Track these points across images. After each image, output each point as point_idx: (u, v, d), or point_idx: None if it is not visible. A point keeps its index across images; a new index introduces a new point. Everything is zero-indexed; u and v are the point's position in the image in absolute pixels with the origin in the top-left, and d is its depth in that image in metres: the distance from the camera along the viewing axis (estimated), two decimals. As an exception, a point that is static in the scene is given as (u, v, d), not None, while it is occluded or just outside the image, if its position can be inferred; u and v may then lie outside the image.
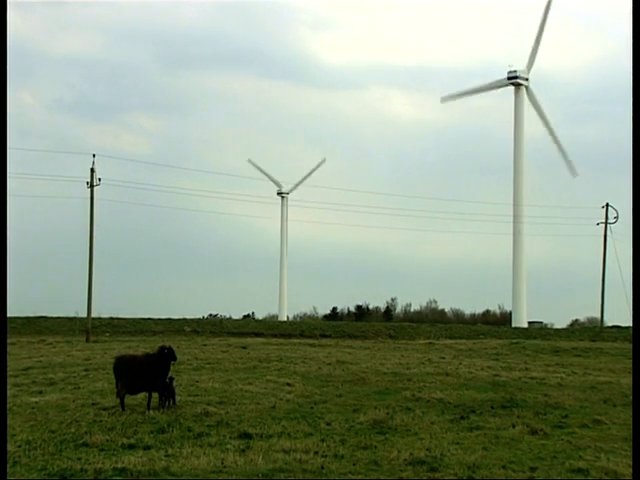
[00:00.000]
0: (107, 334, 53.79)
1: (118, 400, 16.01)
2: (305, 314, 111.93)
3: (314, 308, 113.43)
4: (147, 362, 16.10)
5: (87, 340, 46.11)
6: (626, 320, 66.66)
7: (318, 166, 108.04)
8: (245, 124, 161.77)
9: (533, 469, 11.02)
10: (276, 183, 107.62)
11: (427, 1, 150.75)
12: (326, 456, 11.63)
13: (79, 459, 11.24)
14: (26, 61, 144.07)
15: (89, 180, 49.61)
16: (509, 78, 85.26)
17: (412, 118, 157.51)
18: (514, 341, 47.67)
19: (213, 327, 61.31)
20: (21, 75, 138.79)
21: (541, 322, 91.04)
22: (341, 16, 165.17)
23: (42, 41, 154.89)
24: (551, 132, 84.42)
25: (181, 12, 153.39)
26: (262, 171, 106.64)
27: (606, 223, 67.01)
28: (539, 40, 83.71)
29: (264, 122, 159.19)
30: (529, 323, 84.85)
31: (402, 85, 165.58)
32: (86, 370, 24.43)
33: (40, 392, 18.89)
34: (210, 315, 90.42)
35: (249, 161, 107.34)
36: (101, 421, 14.54)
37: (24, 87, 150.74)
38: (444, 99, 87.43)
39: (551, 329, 76.67)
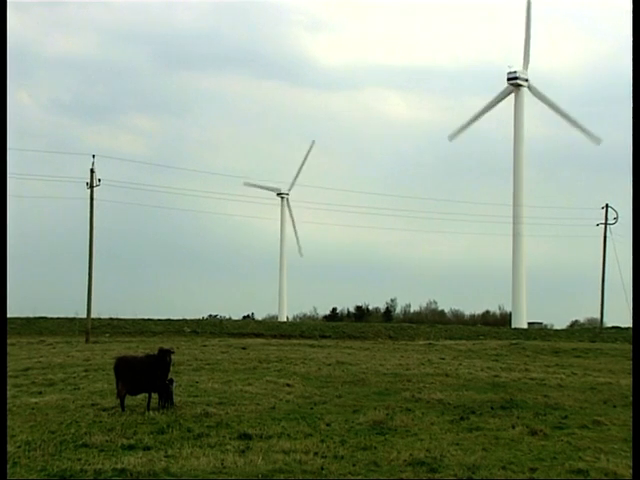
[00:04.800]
0: (107, 335, 53.75)
1: (118, 401, 16.02)
2: (305, 315, 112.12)
3: (314, 309, 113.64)
4: (148, 363, 16.11)
5: (87, 341, 46.07)
6: (626, 321, 66.70)
7: (309, 151, 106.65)
8: (242, 124, 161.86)
9: (533, 470, 11.03)
10: (275, 189, 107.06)
11: (424, 2, 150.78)
12: (326, 457, 11.64)
13: (79, 460, 11.24)
14: (23, 61, 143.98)
15: (88, 181, 49.59)
16: (509, 79, 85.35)
17: (409, 118, 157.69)
18: (514, 342, 47.61)
19: (213, 328, 61.27)
20: (18, 75, 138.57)
21: (541, 323, 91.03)
22: (337, 17, 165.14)
23: (39, 41, 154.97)
24: (566, 117, 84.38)
25: (178, 13, 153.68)
26: (261, 187, 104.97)
27: (606, 224, 67.03)
28: (529, 39, 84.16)
29: (261, 122, 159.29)
30: (529, 324, 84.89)
31: (398, 86, 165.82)
32: (86, 371, 24.43)
33: (40, 393, 18.89)
34: (210, 316, 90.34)
35: (245, 184, 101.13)
36: (101, 422, 14.55)
37: (21, 87, 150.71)
38: (451, 137, 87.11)
39: (551, 330, 76.71)
